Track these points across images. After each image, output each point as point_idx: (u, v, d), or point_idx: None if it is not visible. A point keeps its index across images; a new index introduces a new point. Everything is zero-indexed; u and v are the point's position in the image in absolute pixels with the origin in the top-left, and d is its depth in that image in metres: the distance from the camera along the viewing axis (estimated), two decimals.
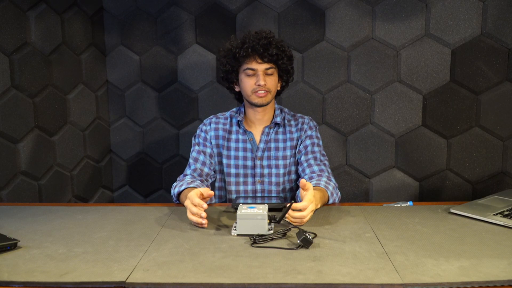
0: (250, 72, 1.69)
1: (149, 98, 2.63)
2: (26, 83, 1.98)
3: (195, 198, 1.34)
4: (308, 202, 1.29)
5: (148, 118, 2.65)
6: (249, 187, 1.80)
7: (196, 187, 1.60)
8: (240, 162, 1.78)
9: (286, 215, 1.28)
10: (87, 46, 2.43)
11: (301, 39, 2.47)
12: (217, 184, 1.85)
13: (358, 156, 2.54)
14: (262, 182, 1.79)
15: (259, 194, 1.79)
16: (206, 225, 1.34)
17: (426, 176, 2.52)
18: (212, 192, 1.39)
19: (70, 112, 2.30)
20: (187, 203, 1.37)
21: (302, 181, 1.33)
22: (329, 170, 1.75)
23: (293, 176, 1.81)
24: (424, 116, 2.47)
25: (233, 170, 1.79)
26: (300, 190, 1.37)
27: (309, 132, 1.79)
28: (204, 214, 1.33)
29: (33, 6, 2.02)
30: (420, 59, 2.42)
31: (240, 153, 1.79)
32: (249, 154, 1.78)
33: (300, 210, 1.29)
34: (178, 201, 1.67)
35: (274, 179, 1.78)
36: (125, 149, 2.70)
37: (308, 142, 1.77)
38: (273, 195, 1.78)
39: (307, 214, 1.29)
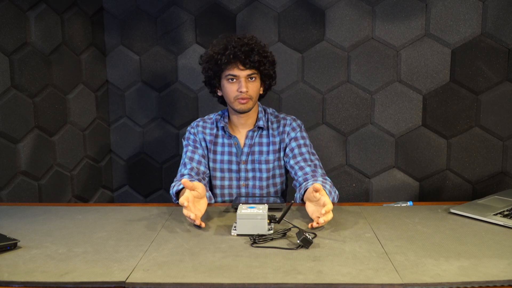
0: (232, 78, 1.69)
1: (149, 98, 2.63)
2: (26, 83, 1.98)
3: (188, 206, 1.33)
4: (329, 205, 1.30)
5: (148, 118, 2.65)
6: (234, 190, 1.81)
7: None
8: (225, 166, 1.79)
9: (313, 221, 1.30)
10: (87, 46, 2.43)
11: (301, 39, 2.47)
12: None
13: (358, 156, 2.54)
14: (246, 186, 1.79)
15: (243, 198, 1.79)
16: (199, 223, 1.33)
17: (426, 176, 2.52)
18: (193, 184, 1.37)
19: (70, 112, 2.30)
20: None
21: (316, 186, 1.31)
22: (321, 168, 1.74)
23: (277, 180, 1.81)
24: (424, 116, 2.47)
25: (218, 174, 1.80)
26: (308, 193, 1.40)
27: (292, 134, 1.78)
28: (192, 215, 1.31)
29: (33, 6, 2.02)
30: (420, 59, 2.42)
31: (225, 157, 1.79)
32: (234, 158, 1.79)
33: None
34: (177, 201, 1.67)
35: (257, 183, 1.79)
36: (125, 149, 2.70)
37: (293, 144, 1.76)
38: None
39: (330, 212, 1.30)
